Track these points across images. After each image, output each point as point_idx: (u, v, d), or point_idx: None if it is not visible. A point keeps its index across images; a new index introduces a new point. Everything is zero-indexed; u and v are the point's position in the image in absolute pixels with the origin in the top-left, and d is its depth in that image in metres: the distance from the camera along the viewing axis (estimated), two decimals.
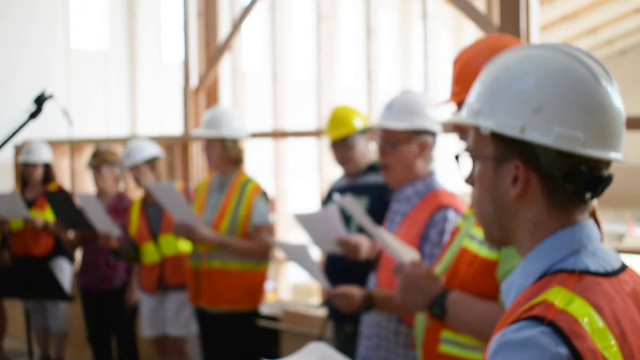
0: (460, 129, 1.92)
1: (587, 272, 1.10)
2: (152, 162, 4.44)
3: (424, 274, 1.90)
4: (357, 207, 2.25)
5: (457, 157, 1.28)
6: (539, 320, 1.02)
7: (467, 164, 1.25)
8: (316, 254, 5.05)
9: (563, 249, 1.13)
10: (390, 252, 2.09)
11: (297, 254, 2.68)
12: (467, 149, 1.24)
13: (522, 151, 1.13)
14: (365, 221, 2.23)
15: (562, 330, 1.00)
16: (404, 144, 2.56)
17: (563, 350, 0.99)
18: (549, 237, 1.15)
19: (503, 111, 1.14)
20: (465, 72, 1.92)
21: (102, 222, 4.30)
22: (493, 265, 1.76)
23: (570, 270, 1.10)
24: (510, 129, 1.12)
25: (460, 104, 1.94)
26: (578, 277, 1.08)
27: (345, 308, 2.45)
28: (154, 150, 4.48)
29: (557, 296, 1.05)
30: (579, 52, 1.16)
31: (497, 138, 1.16)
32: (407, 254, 2.18)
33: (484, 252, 1.79)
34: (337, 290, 2.46)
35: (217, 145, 3.90)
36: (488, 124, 1.15)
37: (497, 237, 1.23)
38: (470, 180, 1.25)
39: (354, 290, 2.43)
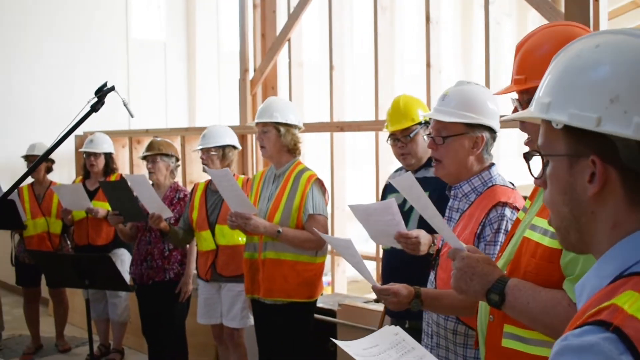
0: (522, 121, 1.83)
1: None
2: (224, 150, 4.44)
3: (481, 259, 1.81)
4: (416, 186, 2.11)
5: (526, 157, 1.20)
6: (604, 325, 0.95)
7: (538, 164, 1.18)
8: (374, 249, 5.00)
9: None
10: (447, 237, 1.99)
11: (343, 248, 2.61)
12: (538, 148, 1.17)
13: (598, 145, 1.06)
14: (423, 203, 2.09)
15: (628, 338, 0.92)
16: (456, 138, 2.46)
17: (627, 359, 0.91)
18: (626, 237, 1.07)
19: (576, 103, 1.07)
20: (529, 60, 1.85)
21: (152, 202, 4.34)
22: (557, 254, 1.69)
23: None
24: (586, 122, 1.05)
25: (522, 93, 1.87)
26: None
27: (392, 306, 2.36)
28: (230, 139, 4.50)
29: (628, 301, 0.97)
30: None
31: (571, 133, 1.09)
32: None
33: (547, 240, 1.72)
34: (384, 287, 2.37)
35: (271, 132, 3.87)
36: (560, 118, 1.08)
37: (574, 242, 1.16)
38: (541, 181, 1.18)
39: (401, 288, 2.33)
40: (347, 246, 2.53)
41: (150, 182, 4.97)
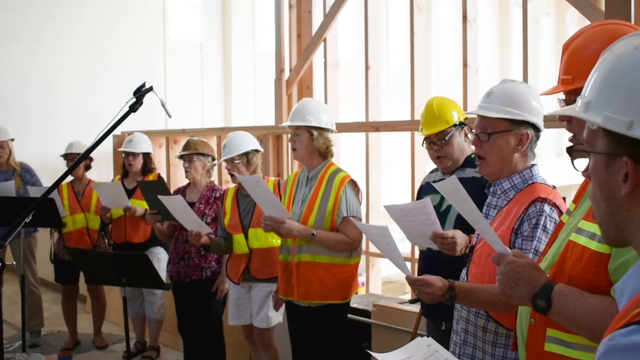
0: (568, 119, 1.80)
1: None
2: (247, 156, 4.45)
3: (527, 264, 1.79)
4: (460, 190, 2.09)
5: (569, 151, 1.19)
6: None
7: (583, 158, 1.19)
8: (410, 249, 4.97)
9: None
10: (491, 241, 1.96)
11: (378, 237, 2.58)
12: (582, 143, 1.18)
13: (631, 148, 1.06)
14: (468, 206, 2.07)
15: None
16: (501, 135, 2.44)
17: None
18: None
19: (612, 106, 1.07)
20: (576, 60, 1.82)
21: (190, 221, 4.32)
22: (604, 259, 1.66)
23: None
24: (618, 125, 1.05)
25: (569, 93, 1.84)
26: None
27: (425, 296, 2.33)
28: (251, 144, 4.48)
29: None
30: None
31: (609, 133, 1.09)
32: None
33: (594, 245, 1.69)
34: (418, 278, 2.35)
35: (304, 136, 3.86)
36: (595, 120, 1.09)
37: (613, 237, 1.16)
38: (587, 174, 1.19)
39: (435, 279, 2.31)
40: (384, 234, 2.50)
41: (188, 181, 5.02)
